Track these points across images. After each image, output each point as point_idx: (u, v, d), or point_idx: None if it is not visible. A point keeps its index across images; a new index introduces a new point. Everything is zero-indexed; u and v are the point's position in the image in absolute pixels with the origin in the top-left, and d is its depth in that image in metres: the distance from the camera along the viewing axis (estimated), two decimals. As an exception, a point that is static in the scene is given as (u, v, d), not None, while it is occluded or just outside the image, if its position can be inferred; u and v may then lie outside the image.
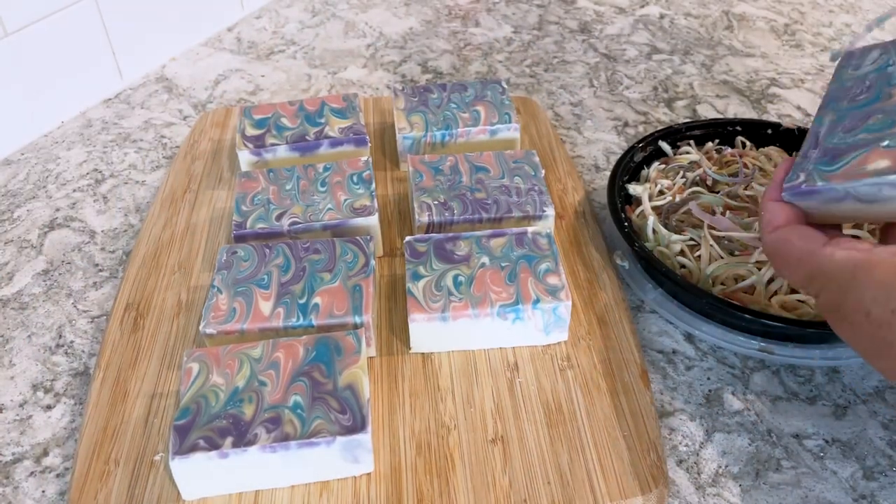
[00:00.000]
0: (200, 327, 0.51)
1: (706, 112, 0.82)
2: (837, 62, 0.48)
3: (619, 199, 0.61)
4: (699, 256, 0.58)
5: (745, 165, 0.64)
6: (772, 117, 0.81)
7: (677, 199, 0.62)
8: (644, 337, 0.57)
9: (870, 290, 0.37)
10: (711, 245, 0.58)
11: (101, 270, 0.64)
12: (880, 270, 0.37)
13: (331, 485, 0.46)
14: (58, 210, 0.70)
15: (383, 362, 0.53)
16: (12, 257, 0.65)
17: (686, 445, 0.50)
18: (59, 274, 0.63)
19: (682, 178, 0.64)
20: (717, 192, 0.63)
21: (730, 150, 0.67)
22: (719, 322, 0.56)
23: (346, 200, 0.60)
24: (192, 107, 0.84)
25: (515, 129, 0.69)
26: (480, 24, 0.99)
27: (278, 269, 0.55)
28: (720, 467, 0.49)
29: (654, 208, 0.62)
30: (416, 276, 0.53)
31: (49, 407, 0.53)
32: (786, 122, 0.68)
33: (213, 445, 0.43)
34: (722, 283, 0.57)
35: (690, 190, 0.63)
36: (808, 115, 0.82)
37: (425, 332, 0.52)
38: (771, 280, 0.55)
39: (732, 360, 0.56)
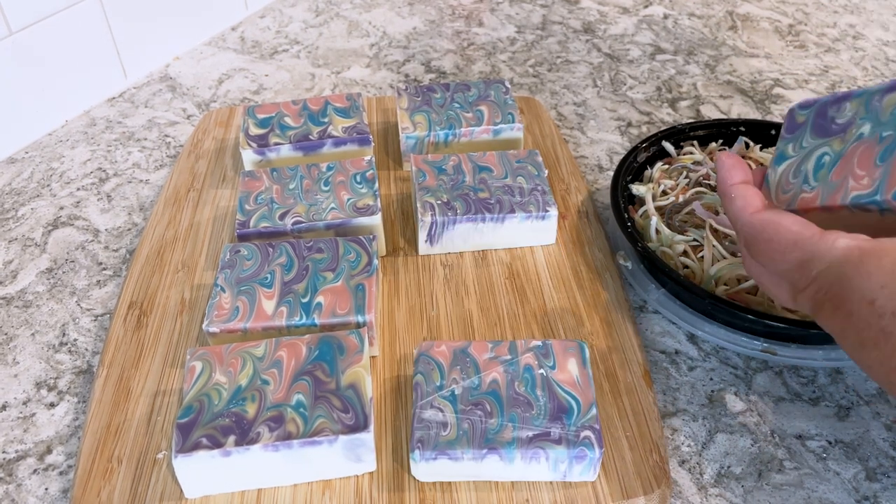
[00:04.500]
0: (203, 326, 0.51)
1: (710, 112, 0.82)
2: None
3: (623, 200, 0.61)
4: (702, 257, 0.58)
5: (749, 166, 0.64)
6: (775, 118, 0.81)
7: (680, 199, 0.62)
8: (647, 337, 0.57)
9: (878, 277, 0.36)
10: (714, 245, 0.57)
11: (104, 269, 0.64)
12: (890, 259, 0.36)
13: (333, 483, 0.46)
14: (62, 209, 0.70)
15: (386, 361, 0.53)
16: (16, 255, 0.65)
17: (689, 446, 0.50)
18: (63, 272, 0.64)
19: (686, 178, 0.64)
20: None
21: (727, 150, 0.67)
22: (722, 322, 0.56)
23: (349, 200, 0.60)
24: (196, 106, 0.84)
25: (519, 129, 0.69)
26: (484, 23, 0.99)
27: (281, 268, 0.55)
28: (723, 468, 0.49)
29: (658, 208, 0.62)
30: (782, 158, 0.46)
31: (52, 405, 0.53)
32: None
33: (215, 444, 0.43)
34: (725, 284, 0.57)
35: (694, 190, 0.63)
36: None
37: None
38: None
39: (735, 360, 0.55)
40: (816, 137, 0.45)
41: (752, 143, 0.68)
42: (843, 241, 0.39)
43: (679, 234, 0.59)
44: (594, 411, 0.45)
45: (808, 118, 0.46)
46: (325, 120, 0.69)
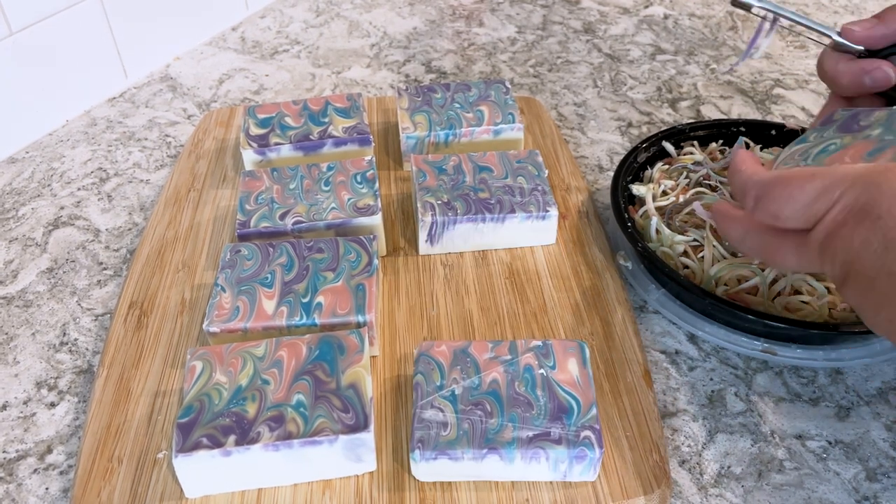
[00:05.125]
0: (204, 326, 0.51)
1: (710, 113, 0.82)
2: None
3: (623, 200, 0.61)
4: (702, 257, 0.58)
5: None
6: (776, 118, 0.81)
7: (681, 199, 0.62)
8: (647, 337, 0.57)
9: None
10: (715, 246, 0.57)
11: (105, 269, 0.64)
12: None
13: (333, 483, 0.46)
14: (62, 208, 0.70)
15: (386, 361, 0.53)
16: (17, 255, 0.65)
17: (689, 446, 0.50)
18: (64, 272, 0.64)
19: (686, 178, 0.64)
20: (719, 192, 0.63)
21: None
22: (722, 323, 0.56)
23: (349, 200, 0.60)
24: (197, 106, 0.84)
25: (519, 129, 0.69)
26: (484, 24, 0.99)
27: (282, 267, 0.55)
28: (723, 468, 0.49)
29: (658, 209, 0.62)
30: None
31: (53, 404, 0.54)
32: (790, 123, 0.68)
33: (216, 444, 0.43)
34: (725, 284, 0.57)
35: (694, 190, 0.63)
36: (811, 115, 0.81)
37: None
38: (774, 281, 0.55)
39: (735, 360, 0.55)
40: (838, 133, 0.48)
41: (752, 144, 0.68)
42: (859, 164, 0.41)
43: (679, 234, 0.59)
44: (594, 411, 0.45)
45: (843, 117, 0.49)
46: (326, 120, 0.69)
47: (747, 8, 0.56)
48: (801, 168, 0.43)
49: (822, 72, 0.55)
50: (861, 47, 0.53)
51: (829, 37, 0.53)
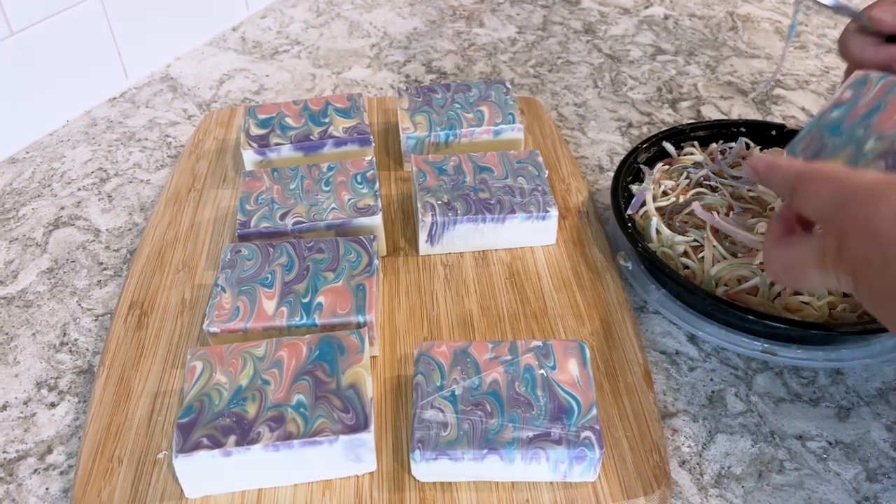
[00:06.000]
0: (204, 326, 0.51)
1: (710, 113, 0.82)
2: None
3: (623, 200, 0.61)
4: (703, 258, 0.58)
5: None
6: (776, 118, 0.81)
7: (681, 199, 0.62)
8: (647, 338, 0.57)
9: None
10: (715, 246, 0.57)
11: (105, 269, 0.64)
12: None
13: (333, 483, 0.46)
14: (62, 208, 0.70)
15: (386, 361, 0.53)
16: (17, 255, 0.65)
17: (689, 446, 0.50)
18: (64, 272, 0.64)
19: (686, 178, 0.64)
20: (719, 192, 0.63)
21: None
22: (722, 323, 0.56)
23: (349, 200, 0.60)
24: (197, 106, 0.84)
25: (519, 130, 0.69)
26: (485, 24, 0.99)
27: (282, 268, 0.55)
28: (723, 468, 0.49)
29: (658, 209, 0.62)
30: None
31: (53, 405, 0.54)
32: (790, 124, 0.68)
33: (216, 444, 0.43)
34: (725, 285, 0.57)
35: (694, 191, 0.63)
36: (811, 116, 0.81)
37: None
38: (774, 282, 0.55)
39: (735, 361, 0.55)
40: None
41: (752, 144, 0.68)
42: (871, 174, 0.41)
43: (679, 234, 0.59)
44: (594, 412, 0.45)
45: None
46: (326, 120, 0.69)
47: None
48: (821, 164, 0.44)
49: (848, 54, 0.55)
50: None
51: (860, 20, 0.53)
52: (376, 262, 0.55)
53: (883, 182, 0.39)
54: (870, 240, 0.39)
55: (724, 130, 0.69)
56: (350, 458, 0.45)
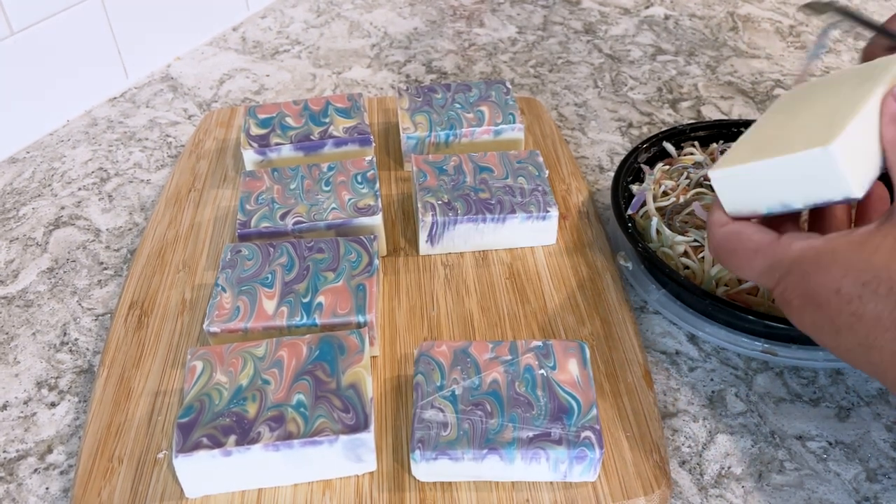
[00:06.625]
0: (204, 326, 0.51)
1: (710, 113, 0.82)
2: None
3: (623, 200, 0.61)
4: (703, 258, 0.58)
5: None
6: (776, 119, 0.81)
7: (681, 200, 0.62)
8: (647, 338, 0.57)
9: (837, 269, 0.39)
10: (715, 246, 0.57)
11: (105, 269, 0.64)
12: (843, 252, 0.39)
13: (333, 483, 0.46)
14: (63, 208, 0.70)
15: (386, 361, 0.53)
16: (17, 255, 0.65)
17: (689, 446, 0.50)
18: (64, 272, 0.64)
19: (686, 179, 0.64)
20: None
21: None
22: (723, 323, 0.56)
23: (350, 200, 0.60)
24: (197, 106, 0.84)
25: (519, 130, 0.69)
26: (485, 24, 0.99)
27: (282, 268, 0.55)
28: (723, 468, 0.49)
29: (658, 209, 0.62)
30: None
31: (53, 404, 0.54)
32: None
33: (216, 444, 0.43)
34: (725, 285, 0.57)
35: (694, 191, 0.63)
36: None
37: None
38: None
39: (736, 361, 0.55)
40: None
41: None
42: (798, 244, 0.41)
43: (680, 234, 0.59)
44: (594, 412, 0.45)
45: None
46: (326, 120, 0.69)
47: (821, 11, 0.55)
48: (749, 234, 0.44)
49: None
50: None
51: (892, 38, 0.52)
52: (376, 262, 0.55)
53: (813, 253, 0.40)
54: (815, 310, 0.40)
55: (724, 130, 0.69)
56: (350, 457, 0.45)
